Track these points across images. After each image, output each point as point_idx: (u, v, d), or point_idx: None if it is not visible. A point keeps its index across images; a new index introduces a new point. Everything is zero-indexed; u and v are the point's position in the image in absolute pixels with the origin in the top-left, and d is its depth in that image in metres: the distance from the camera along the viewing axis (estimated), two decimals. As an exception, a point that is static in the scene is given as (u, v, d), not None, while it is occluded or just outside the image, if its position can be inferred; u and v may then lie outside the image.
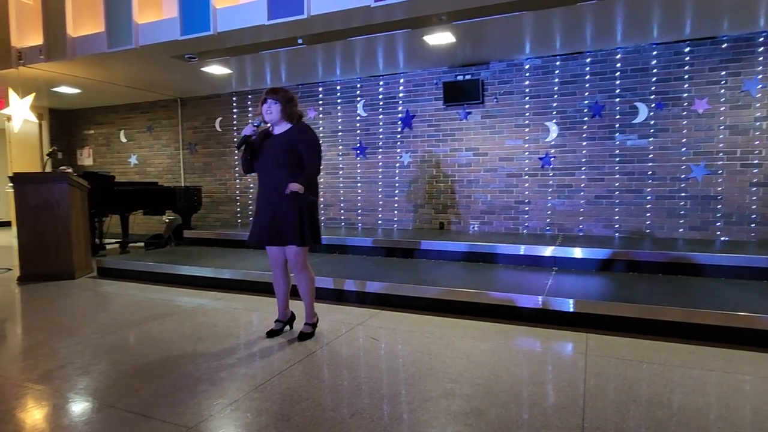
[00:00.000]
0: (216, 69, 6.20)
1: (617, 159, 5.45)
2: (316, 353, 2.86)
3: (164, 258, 5.39)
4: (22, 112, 6.14)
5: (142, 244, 7.19)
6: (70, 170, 5.29)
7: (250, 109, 7.52)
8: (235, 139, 7.16)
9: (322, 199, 7.07)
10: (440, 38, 5.02)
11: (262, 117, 2.98)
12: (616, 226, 5.50)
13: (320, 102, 6.99)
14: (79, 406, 2.21)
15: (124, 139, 8.75)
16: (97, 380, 2.49)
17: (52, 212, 4.97)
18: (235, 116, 7.65)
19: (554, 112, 5.70)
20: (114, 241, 6.96)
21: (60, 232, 4.99)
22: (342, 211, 6.94)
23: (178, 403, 2.21)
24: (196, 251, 5.90)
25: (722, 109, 5.02)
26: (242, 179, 7.68)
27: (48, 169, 5.86)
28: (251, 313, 3.77)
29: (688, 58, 5.11)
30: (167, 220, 7.45)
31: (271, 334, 3.16)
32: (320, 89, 6.98)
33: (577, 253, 4.46)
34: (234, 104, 7.64)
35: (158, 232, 7.57)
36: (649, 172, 5.33)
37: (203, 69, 6.18)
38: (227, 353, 2.86)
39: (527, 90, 5.80)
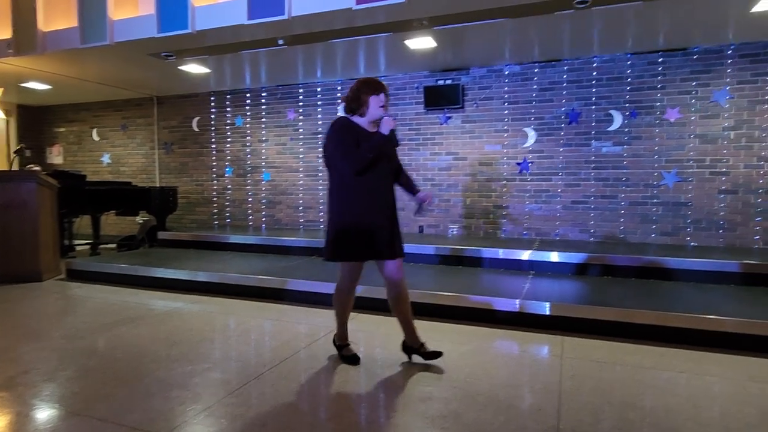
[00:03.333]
0: (194, 68, 6.10)
1: (593, 165, 5.57)
2: (294, 357, 2.82)
3: (137, 260, 5.26)
4: (-12, 108, 5.92)
5: (114, 245, 7.00)
6: (38, 168, 5.12)
7: (228, 109, 7.41)
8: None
9: (301, 201, 7.02)
10: (421, 43, 5.04)
11: (363, 109, 2.56)
12: (592, 230, 5.61)
13: (300, 103, 6.94)
14: (44, 414, 2.12)
15: (96, 138, 8.52)
16: (64, 386, 2.41)
17: (19, 212, 4.80)
18: (213, 116, 7.53)
19: (532, 118, 5.79)
20: (84, 242, 6.76)
21: (27, 232, 4.81)
22: (321, 213, 6.89)
23: (150, 410, 2.15)
24: (170, 253, 5.78)
25: (693, 118, 5.18)
26: (219, 180, 7.55)
27: (15, 167, 5.66)
28: (228, 317, 3.70)
29: (660, 69, 5.26)
30: (141, 221, 7.27)
31: (356, 360, 2.74)
32: (300, 91, 6.93)
33: (554, 257, 4.53)
34: (212, 104, 7.52)
35: (131, 233, 7.39)
36: (623, 179, 5.46)
37: (181, 67, 6.06)
38: (202, 358, 2.80)
39: (506, 96, 5.88)
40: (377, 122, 2.59)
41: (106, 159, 8.45)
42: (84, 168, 8.42)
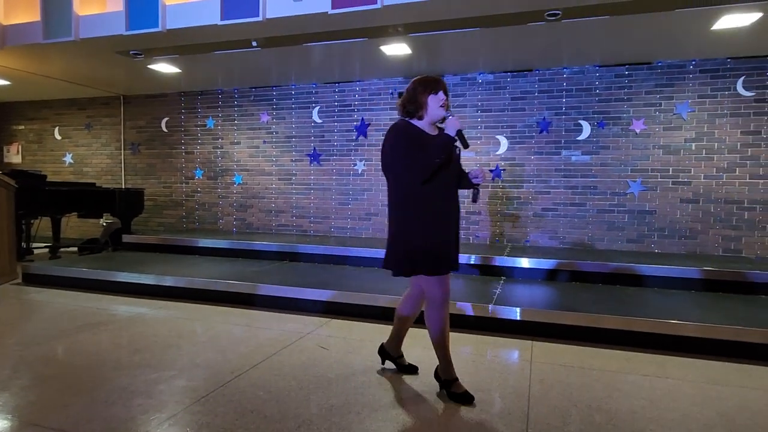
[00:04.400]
0: (164, 67, 5.95)
1: (562, 173, 5.70)
2: (264, 363, 2.76)
3: (100, 264, 5.06)
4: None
5: (76, 248, 6.73)
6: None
7: (199, 110, 7.26)
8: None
9: (273, 205, 6.92)
10: (397, 49, 5.07)
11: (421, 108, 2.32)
12: (561, 237, 5.73)
13: (274, 107, 6.86)
14: (-6, 425, 2.01)
15: (58, 137, 8.20)
16: (18, 396, 2.28)
17: (-27, 212, 4.56)
18: (183, 117, 7.36)
19: (505, 127, 5.89)
20: (43, 245, 6.47)
21: (-19, 234, 4.58)
22: (293, 217, 6.82)
23: (111, 419, 2.06)
24: (136, 257, 5.59)
25: (657, 129, 5.38)
26: (189, 183, 7.37)
27: (-30, 165, 5.38)
28: (195, 323, 3.60)
29: (627, 81, 5.44)
30: (105, 224, 7.02)
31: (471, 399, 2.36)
32: (274, 93, 6.86)
33: (524, 263, 4.60)
34: (182, 104, 7.35)
35: (94, 236, 7.12)
36: (591, 187, 5.61)
37: (150, 66, 5.91)
38: (167, 365, 2.71)
39: (479, 104, 5.97)
40: (438, 124, 2.38)
41: (68, 159, 8.13)
42: (44, 168, 8.09)
